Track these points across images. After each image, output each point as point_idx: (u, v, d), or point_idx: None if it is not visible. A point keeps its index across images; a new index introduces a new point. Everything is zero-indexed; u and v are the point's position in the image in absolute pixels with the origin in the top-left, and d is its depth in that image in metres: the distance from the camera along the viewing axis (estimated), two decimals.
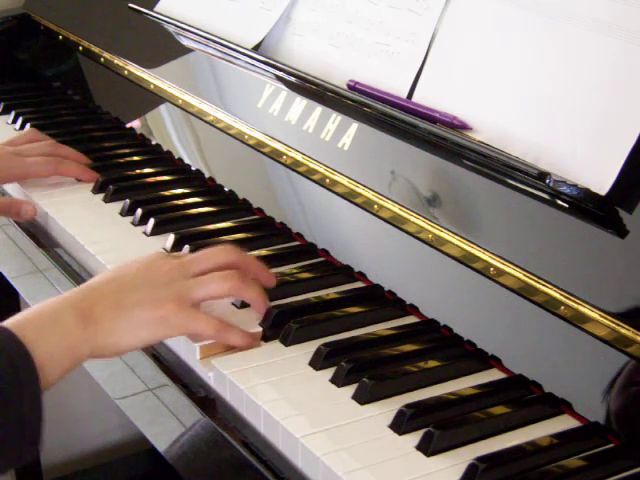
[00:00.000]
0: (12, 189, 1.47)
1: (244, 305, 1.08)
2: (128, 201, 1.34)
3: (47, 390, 0.90)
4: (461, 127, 1.08)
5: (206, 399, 1.00)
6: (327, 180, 1.21)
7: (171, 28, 1.54)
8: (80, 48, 1.77)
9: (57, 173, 1.42)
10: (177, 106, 1.51)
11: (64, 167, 1.43)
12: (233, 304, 1.09)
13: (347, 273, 1.16)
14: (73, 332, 0.93)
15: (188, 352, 1.04)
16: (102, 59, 1.70)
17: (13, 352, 0.88)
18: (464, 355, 1.00)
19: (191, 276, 1.01)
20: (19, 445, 0.87)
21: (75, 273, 1.26)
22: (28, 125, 1.64)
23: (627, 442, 0.87)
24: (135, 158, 1.54)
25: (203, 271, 1.03)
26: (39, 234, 1.37)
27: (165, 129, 1.57)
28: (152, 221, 1.28)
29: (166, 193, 1.39)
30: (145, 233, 1.28)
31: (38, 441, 0.88)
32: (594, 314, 0.90)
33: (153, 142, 1.57)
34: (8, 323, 0.92)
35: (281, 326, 1.04)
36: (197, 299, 1.01)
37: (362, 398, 0.93)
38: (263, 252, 1.21)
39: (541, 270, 0.96)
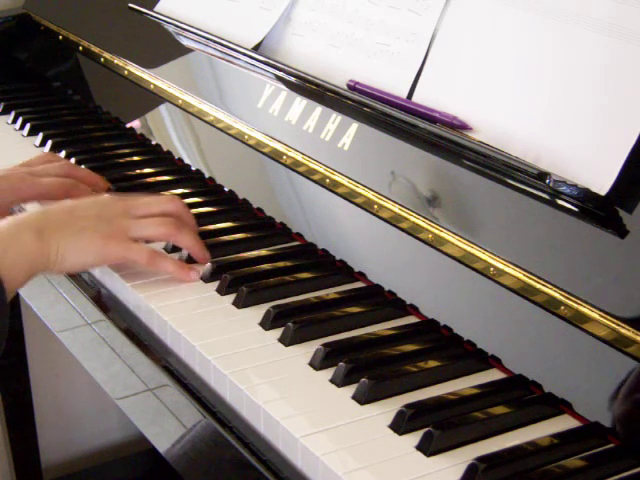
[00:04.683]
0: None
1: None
2: None
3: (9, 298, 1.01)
4: (461, 127, 1.08)
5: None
6: (327, 180, 1.21)
7: (171, 28, 1.54)
8: (80, 48, 1.77)
9: (69, 197, 1.32)
10: (177, 106, 1.51)
11: (77, 192, 1.33)
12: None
13: (347, 273, 1.16)
14: (31, 249, 1.06)
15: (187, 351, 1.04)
16: (102, 59, 1.70)
17: None
18: (464, 355, 1.00)
19: (133, 217, 1.15)
20: None
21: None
22: (28, 125, 1.64)
23: (627, 442, 0.87)
24: (135, 158, 1.53)
25: (145, 215, 1.16)
26: None
27: (165, 129, 1.57)
28: None
29: (166, 193, 1.39)
30: None
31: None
32: (594, 314, 0.90)
33: (153, 142, 1.57)
34: None
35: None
36: (134, 237, 1.14)
37: (362, 398, 0.93)
38: (263, 252, 1.21)
39: (541, 270, 0.96)
